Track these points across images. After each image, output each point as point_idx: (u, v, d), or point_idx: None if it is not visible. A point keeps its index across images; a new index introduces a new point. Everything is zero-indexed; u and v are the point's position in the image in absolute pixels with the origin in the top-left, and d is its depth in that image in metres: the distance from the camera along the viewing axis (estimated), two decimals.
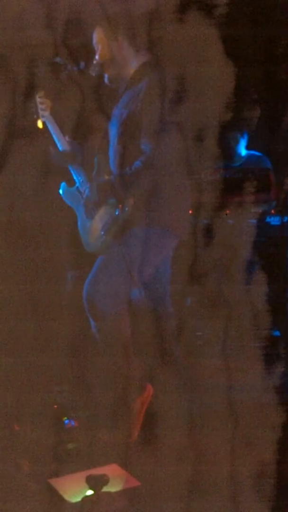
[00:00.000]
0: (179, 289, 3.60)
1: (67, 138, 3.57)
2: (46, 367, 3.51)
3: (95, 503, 2.80)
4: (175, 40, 3.53)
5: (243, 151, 5.15)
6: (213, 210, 4.11)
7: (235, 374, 3.75)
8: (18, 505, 2.81)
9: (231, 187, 4.54)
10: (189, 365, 3.49)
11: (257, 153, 5.16)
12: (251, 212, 4.61)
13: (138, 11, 3.47)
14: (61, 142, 3.56)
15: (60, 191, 3.58)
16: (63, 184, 3.56)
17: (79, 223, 3.50)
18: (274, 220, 4.69)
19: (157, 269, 3.39)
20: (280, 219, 4.72)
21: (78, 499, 2.83)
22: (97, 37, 3.41)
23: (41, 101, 3.56)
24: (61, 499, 2.85)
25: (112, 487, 2.85)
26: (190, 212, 3.56)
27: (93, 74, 3.45)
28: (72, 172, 3.55)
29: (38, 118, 3.60)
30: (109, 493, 2.82)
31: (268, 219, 4.68)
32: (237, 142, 5.13)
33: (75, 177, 3.54)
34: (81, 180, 3.53)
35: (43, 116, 3.57)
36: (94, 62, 3.43)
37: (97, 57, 3.41)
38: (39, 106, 3.57)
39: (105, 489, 2.81)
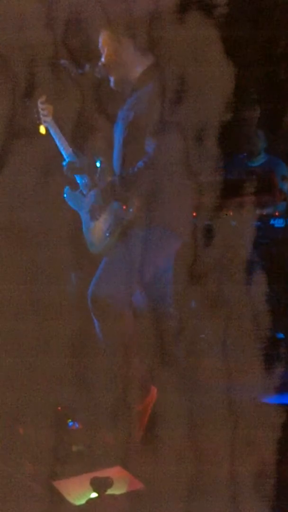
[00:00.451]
0: (179, 289, 3.60)
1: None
2: (46, 367, 3.51)
3: (99, 506, 2.80)
4: (175, 40, 3.53)
5: (263, 152, 5.15)
6: (213, 210, 4.11)
7: (235, 374, 3.75)
8: (20, 507, 2.81)
9: (235, 189, 4.55)
10: (189, 365, 3.48)
11: (275, 158, 5.16)
12: (255, 214, 4.62)
13: (138, 11, 3.47)
14: (64, 148, 3.56)
15: (64, 195, 3.57)
16: (66, 188, 3.56)
17: (83, 225, 3.50)
18: (278, 223, 4.69)
19: (160, 270, 3.39)
20: (284, 221, 4.73)
21: (82, 501, 2.82)
22: (103, 39, 3.41)
23: (42, 107, 3.55)
24: (64, 501, 2.85)
25: (116, 490, 2.84)
26: (194, 215, 3.56)
27: (99, 76, 3.45)
28: (76, 177, 3.55)
29: (40, 123, 3.59)
30: (112, 496, 2.82)
31: (272, 221, 4.69)
32: (260, 140, 5.13)
33: (78, 180, 3.54)
34: (84, 183, 3.53)
35: (45, 122, 3.56)
36: (99, 64, 3.43)
37: (102, 59, 3.41)
38: (41, 111, 3.56)
39: (110, 491, 2.81)
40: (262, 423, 3.31)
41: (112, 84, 3.44)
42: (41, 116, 3.56)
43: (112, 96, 3.48)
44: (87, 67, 3.50)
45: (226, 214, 4.44)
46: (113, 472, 2.95)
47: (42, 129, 3.61)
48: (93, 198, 3.44)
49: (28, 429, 3.28)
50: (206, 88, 3.58)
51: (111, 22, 3.43)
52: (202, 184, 3.46)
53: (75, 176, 3.55)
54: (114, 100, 3.49)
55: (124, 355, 3.32)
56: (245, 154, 5.17)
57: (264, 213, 4.69)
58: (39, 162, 3.73)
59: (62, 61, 3.54)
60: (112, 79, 3.43)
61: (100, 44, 3.43)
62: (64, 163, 3.57)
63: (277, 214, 4.70)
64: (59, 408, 3.37)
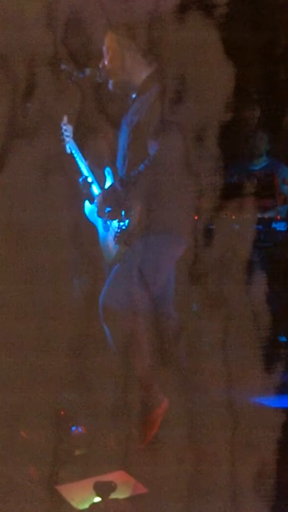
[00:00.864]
0: (179, 290, 3.60)
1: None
2: (46, 367, 3.51)
3: (102, 510, 2.79)
4: (175, 40, 3.53)
5: (265, 155, 5.15)
6: (213, 211, 4.11)
7: (235, 374, 3.75)
8: (22, 509, 2.81)
9: (237, 192, 4.55)
10: (189, 365, 3.48)
11: (277, 161, 5.16)
12: (257, 218, 4.62)
13: (138, 11, 3.47)
14: (85, 168, 3.57)
15: (85, 210, 3.58)
16: (85, 201, 3.56)
17: (100, 238, 3.52)
18: (280, 226, 4.69)
19: (166, 276, 3.40)
20: (286, 224, 4.73)
21: (85, 506, 2.82)
22: (107, 43, 3.41)
23: (65, 128, 3.56)
24: (66, 503, 2.85)
25: (120, 494, 2.84)
26: (196, 217, 3.57)
27: (100, 81, 3.45)
28: (90, 187, 3.55)
29: (64, 143, 3.60)
30: (116, 500, 2.82)
31: (274, 225, 4.69)
32: (263, 143, 5.13)
33: (92, 192, 3.54)
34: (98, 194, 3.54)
35: (67, 142, 3.57)
36: (101, 67, 3.43)
37: (105, 62, 3.41)
38: (64, 133, 3.57)
39: (113, 496, 2.81)
40: (261, 423, 3.31)
41: (111, 87, 3.43)
42: (65, 138, 3.57)
43: (112, 96, 3.48)
44: (88, 71, 3.49)
45: (226, 214, 4.44)
46: (116, 476, 2.95)
47: (68, 149, 3.62)
48: (97, 204, 3.44)
49: (28, 429, 3.28)
50: (206, 88, 3.58)
51: (111, 22, 3.43)
52: (202, 184, 3.46)
53: (91, 190, 3.55)
54: (114, 100, 3.49)
55: (129, 357, 3.32)
56: (247, 157, 5.17)
57: (266, 217, 4.69)
58: (39, 162, 3.73)
59: (64, 66, 3.54)
60: (111, 82, 3.43)
61: (104, 48, 3.42)
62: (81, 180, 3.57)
63: (278, 217, 4.71)
64: (62, 412, 3.37)
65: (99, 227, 3.52)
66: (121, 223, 3.34)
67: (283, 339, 4.50)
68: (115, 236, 3.36)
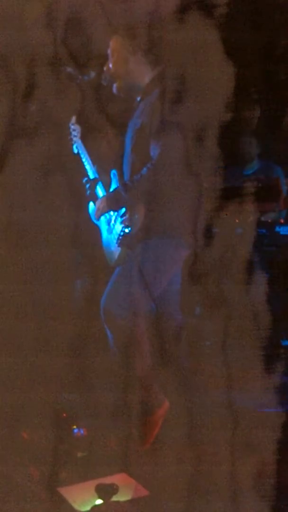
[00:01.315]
0: (180, 290, 3.60)
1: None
2: (46, 367, 3.51)
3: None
4: (175, 40, 3.53)
5: (256, 159, 5.15)
6: (214, 211, 4.11)
7: (235, 374, 3.75)
8: (22, 509, 2.81)
9: (240, 195, 4.55)
10: (189, 365, 3.48)
11: (269, 163, 5.16)
12: (261, 222, 4.62)
13: (138, 11, 3.47)
14: (92, 170, 3.56)
15: (90, 211, 3.57)
16: (90, 203, 3.55)
17: (103, 241, 3.51)
18: (284, 230, 4.69)
19: (170, 280, 3.40)
20: None
21: (87, 508, 2.82)
22: (114, 46, 3.41)
23: (73, 127, 3.56)
24: (67, 506, 2.85)
25: (121, 497, 2.84)
26: (196, 218, 3.56)
27: (105, 84, 3.45)
28: (95, 188, 3.55)
29: (72, 144, 3.59)
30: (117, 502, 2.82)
31: (277, 229, 4.69)
32: (251, 148, 5.13)
33: (97, 194, 3.54)
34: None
35: (75, 142, 3.56)
36: (105, 70, 3.43)
37: (110, 66, 3.41)
38: (72, 133, 3.56)
39: (114, 498, 2.81)
40: (261, 423, 3.31)
41: (115, 90, 3.43)
42: (73, 138, 3.56)
43: (113, 96, 3.48)
44: (93, 74, 3.49)
45: (227, 214, 4.43)
46: (118, 479, 2.95)
47: (75, 149, 3.60)
48: (99, 207, 3.44)
49: (28, 429, 3.28)
50: (206, 88, 3.58)
51: (111, 22, 3.43)
52: (202, 184, 3.46)
53: (96, 192, 3.55)
54: (114, 100, 3.49)
55: (130, 358, 3.32)
56: (239, 163, 5.16)
57: (269, 220, 4.69)
58: (39, 162, 3.73)
59: (68, 69, 3.53)
60: (115, 85, 3.43)
61: (110, 50, 3.42)
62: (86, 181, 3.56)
63: (282, 221, 4.71)
64: (64, 414, 3.37)
65: (102, 230, 3.52)
66: (124, 227, 3.34)
67: (286, 342, 4.49)
68: (118, 239, 3.36)
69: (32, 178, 3.77)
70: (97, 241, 3.58)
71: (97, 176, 3.54)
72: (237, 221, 4.50)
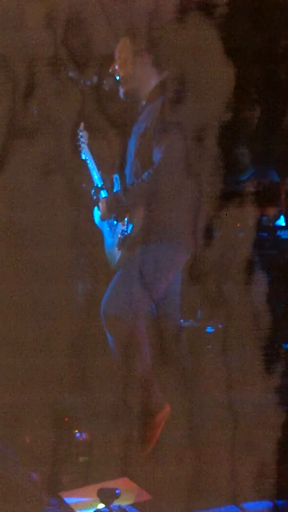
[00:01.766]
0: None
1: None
2: (46, 367, 3.51)
3: None
4: (175, 40, 3.53)
5: (250, 165, 5.15)
6: (213, 210, 4.11)
7: (235, 374, 3.75)
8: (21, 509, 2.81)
9: (241, 199, 4.55)
10: (190, 365, 3.48)
11: (265, 166, 5.15)
12: (262, 226, 4.62)
13: (138, 11, 3.47)
14: (98, 176, 3.55)
15: (94, 216, 3.56)
16: (95, 208, 3.55)
17: (105, 243, 3.51)
18: (285, 234, 4.69)
19: (170, 283, 3.40)
20: None
21: None
22: (120, 50, 3.40)
23: (81, 134, 3.55)
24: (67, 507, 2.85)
25: (123, 501, 2.84)
26: (196, 218, 3.56)
27: (107, 89, 3.45)
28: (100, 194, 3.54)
29: (80, 150, 3.58)
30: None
31: (279, 233, 4.69)
32: (245, 157, 5.13)
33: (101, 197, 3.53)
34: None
35: (83, 149, 3.55)
36: (109, 75, 3.43)
37: (116, 67, 3.40)
38: (80, 139, 3.55)
39: (116, 502, 2.80)
40: (262, 423, 3.31)
41: (122, 95, 3.43)
42: (81, 144, 3.55)
43: (113, 97, 3.48)
44: (95, 78, 3.49)
45: (226, 214, 4.44)
46: (120, 483, 2.95)
47: (83, 156, 3.60)
48: (101, 210, 3.43)
49: (28, 430, 3.28)
50: (206, 88, 3.58)
51: (111, 22, 3.43)
52: (202, 185, 3.46)
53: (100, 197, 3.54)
54: (114, 101, 3.49)
55: (130, 359, 3.31)
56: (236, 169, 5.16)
57: (271, 224, 4.69)
58: (39, 162, 3.73)
59: (71, 73, 3.53)
60: (122, 90, 3.43)
61: (116, 55, 3.42)
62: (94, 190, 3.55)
63: (283, 225, 4.71)
64: (66, 419, 3.36)
65: (105, 233, 3.52)
66: (124, 229, 3.34)
67: (287, 346, 4.50)
68: (118, 242, 3.36)
69: (32, 178, 3.77)
70: (97, 241, 3.58)
71: (102, 183, 3.54)
72: (238, 225, 4.51)
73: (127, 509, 2.80)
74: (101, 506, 2.80)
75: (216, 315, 4.15)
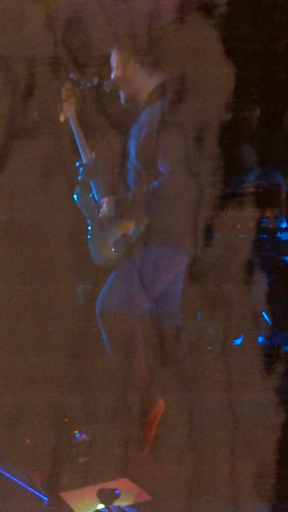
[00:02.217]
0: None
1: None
2: (46, 367, 3.51)
3: None
4: (175, 40, 3.53)
5: (256, 166, 5.14)
6: (213, 210, 4.11)
7: (235, 374, 3.75)
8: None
9: (242, 202, 4.56)
10: (189, 365, 3.48)
11: (271, 169, 5.15)
12: (262, 227, 4.63)
13: (138, 11, 3.47)
14: (84, 149, 3.52)
15: (74, 196, 3.53)
16: (77, 189, 3.52)
17: (90, 235, 3.49)
18: (285, 236, 4.70)
19: (169, 285, 3.39)
20: None
21: None
22: (115, 56, 3.40)
23: (67, 94, 3.50)
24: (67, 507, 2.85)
25: (123, 501, 2.83)
26: (196, 218, 3.55)
27: (107, 90, 3.45)
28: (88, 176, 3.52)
29: (61, 112, 3.53)
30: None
31: (279, 235, 4.70)
32: (250, 157, 5.12)
33: (92, 185, 3.50)
34: (97, 189, 3.49)
35: (67, 112, 3.50)
36: (112, 79, 3.42)
37: (117, 74, 3.40)
38: (64, 101, 3.51)
39: (116, 503, 2.80)
40: (262, 423, 3.31)
41: (122, 100, 3.43)
42: (64, 106, 3.50)
43: (112, 97, 3.48)
44: (95, 80, 3.48)
45: (226, 214, 4.44)
46: (120, 484, 2.94)
47: (62, 118, 3.53)
48: (105, 209, 3.41)
49: (28, 430, 3.28)
50: (206, 88, 3.58)
51: (111, 22, 3.43)
52: (202, 185, 3.46)
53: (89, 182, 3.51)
54: (114, 101, 3.49)
55: (127, 359, 3.31)
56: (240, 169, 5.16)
57: (271, 226, 4.70)
58: (39, 162, 3.73)
59: (71, 75, 3.52)
60: (122, 95, 3.42)
61: (111, 60, 3.41)
62: (80, 166, 3.51)
63: (283, 227, 4.71)
64: (66, 420, 3.36)
65: (93, 223, 3.47)
66: (126, 236, 3.33)
67: (286, 348, 4.50)
68: (115, 244, 3.34)
69: (32, 178, 3.76)
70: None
71: (89, 161, 3.48)
72: (238, 226, 4.51)
73: (127, 510, 2.79)
74: (101, 506, 2.80)
75: (216, 315, 4.15)
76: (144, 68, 3.37)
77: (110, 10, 3.49)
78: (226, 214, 4.45)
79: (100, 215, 3.44)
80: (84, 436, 3.31)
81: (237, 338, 4.45)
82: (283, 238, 4.71)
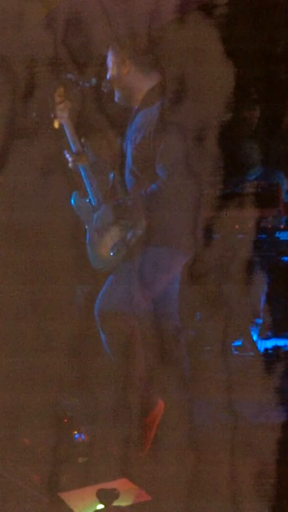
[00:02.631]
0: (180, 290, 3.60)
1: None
2: (46, 367, 3.51)
3: None
4: (175, 40, 3.53)
5: (259, 165, 5.15)
6: (213, 210, 4.11)
7: (235, 373, 3.75)
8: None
9: (240, 201, 4.56)
10: (189, 365, 3.48)
11: (270, 168, 5.16)
12: (261, 227, 4.63)
13: (138, 11, 3.47)
14: (74, 142, 3.51)
15: (72, 201, 3.54)
16: (74, 194, 3.52)
17: (88, 238, 3.49)
18: (284, 236, 4.71)
19: (167, 286, 3.39)
20: None
21: None
22: (109, 57, 3.39)
23: (59, 100, 3.50)
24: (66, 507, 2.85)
25: (123, 501, 2.83)
26: (196, 218, 3.55)
27: (105, 90, 3.44)
28: (86, 183, 3.51)
29: (54, 117, 3.53)
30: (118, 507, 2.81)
31: (277, 234, 4.70)
32: (253, 154, 5.13)
33: (88, 189, 3.50)
34: (93, 193, 3.49)
35: (61, 117, 3.51)
36: (107, 79, 3.42)
37: (112, 74, 3.40)
38: (58, 105, 3.51)
39: (116, 503, 2.80)
40: (261, 423, 3.31)
41: (116, 99, 3.42)
42: (57, 111, 3.50)
43: (112, 97, 3.48)
44: (94, 80, 3.48)
45: (226, 214, 4.44)
46: (119, 484, 2.94)
47: (56, 124, 3.54)
48: (103, 214, 3.42)
49: (28, 430, 3.28)
50: (206, 88, 3.58)
51: (111, 22, 3.43)
52: (202, 184, 3.46)
53: (86, 184, 3.51)
54: (114, 101, 3.48)
55: (126, 359, 3.31)
56: (241, 168, 5.17)
57: (270, 226, 4.70)
58: (39, 162, 3.73)
59: (70, 75, 3.52)
60: (117, 95, 3.42)
61: (108, 60, 3.41)
62: (68, 156, 3.50)
63: (282, 227, 4.72)
64: (65, 420, 3.36)
65: (90, 227, 3.48)
66: (125, 240, 3.33)
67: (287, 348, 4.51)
68: (114, 247, 3.34)
69: (32, 178, 3.77)
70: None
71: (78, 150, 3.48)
72: (237, 227, 4.51)
73: (126, 510, 2.79)
74: (100, 506, 2.80)
75: (215, 315, 4.15)
76: (139, 69, 3.36)
77: (110, 10, 3.49)
78: (226, 214, 4.46)
79: (97, 220, 3.44)
80: (83, 436, 3.31)
81: (236, 339, 4.46)
82: (281, 238, 4.72)
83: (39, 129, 3.67)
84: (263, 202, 4.64)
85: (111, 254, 3.34)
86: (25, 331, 3.63)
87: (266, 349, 4.42)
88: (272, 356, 4.34)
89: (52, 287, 3.79)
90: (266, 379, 3.76)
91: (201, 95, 3.49)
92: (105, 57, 3.47)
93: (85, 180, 3.49)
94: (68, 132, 3.49)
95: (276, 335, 4.52)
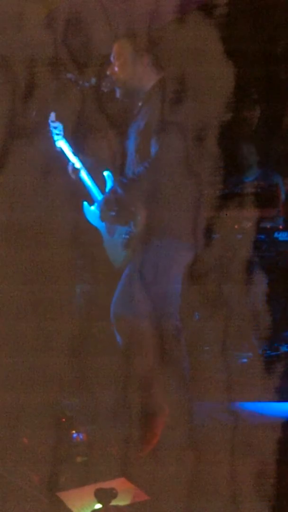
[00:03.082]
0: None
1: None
2: (46, 367, 3.51)
3: None
4: (175, 40, 3.53)
5: (256, 166, 5.16)
6: (213, 210, 4.11)
7: (235, 374, 3.75)
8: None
9: (240, 202, 4.57)
10: (189, 365, 3.48)
11: (269, 169, 5.16)
12: (260, 228, 4.64)
13: (138, 11, 3.48)
14: (73, 160, 3.53)
15: (84, 211, 3.56)
16: (85, 203, 3.54)
17: (104, 242, 3.50)
18: (283, 236, 4.71)
19: (168, 286, 3.39)
20: None
21: None
22: (118, 51, 3.39)
23: (54, 125, 3.53)
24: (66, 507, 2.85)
25: (121, 501, 2.83)
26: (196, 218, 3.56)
27: (105, 90, 3.45)
28: (90, 191, 3.53)
29: (55, 142, 3.57)
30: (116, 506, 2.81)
31: (276, 235, 4.71)
32: (252, 156, 5.13)
33: (91, 195, 3.52)
34: (96, 198, 3.51)
35: (58, 140, 3.54)
36: (109, 75, 3.42)
37: (115, 70, 3.39)
38: (53, 130, 3.54)
39: (114, 502, 2.80)
40: (261, 423, 3.31)
41: (118, 95, 3.42)
42: (54, 136, 3.54)
43: (112, 97, 3.48)
44: (93, 80, 3.49)
45: (226, 214, 4.45)
46: (118, 483, 2.94)
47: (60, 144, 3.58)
48: (102, 209, 3.43)
49: (28, 430, 3.28)
50: (206, 88, 3.58)
51: (111, 22, 3.43)
52: (202, 184, 3.46)
53: (91, 192, 3.52)
54: (114, 101, 3.49)
55: (133, 360, 3.31)
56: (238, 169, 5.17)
57: (268, 226, 4.71)
58: (39, 162, 3.73)
59: (69, 75, 3.52)
60: (118, 90, 3.42)
61: (114, 55, 3.41)
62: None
63: (281, 227, 4.72)
64: (64, 419, 3.36)
65: (103, 231, 3.51)
66: (128, 228, 3.33)
67: (285, 348, 4.51)
68: (123, 242, 3.35)
69: (32, 178, 3.77)
70: (97, 241, 3.58)
71: (86, 170, 3.51)
72: (236, 227, 4.52)
73: (124, 509, 2.79)
74: (98, 506, 2.80)
75: (215, 315, 4.15)
76: (142, 65, 3.37)
77: (110, 10, 3.49)
78: (226, 214, 4.46)
79: (100, 218, 3.46)
80: (81, 436, 3.31)
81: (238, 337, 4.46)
82: (280, 238, 4.73)
83: (39, 129, 3.67)
84: (263, 203, 4.64)
85: (121, 249, 3.36)
86: (25, 331, 3.63)
87: (265, 349, 4.42)
88: (272, 356, 4.34)
89: (52, 287, 3.79)
90: (266, 379, 3.76)
91: (201, 95, 3.49)
92: (105, 57, 3.47)
93: (87, 187, 3.52)
94: (67, 153, 3.52)
95: (276, 335, 4.52)
